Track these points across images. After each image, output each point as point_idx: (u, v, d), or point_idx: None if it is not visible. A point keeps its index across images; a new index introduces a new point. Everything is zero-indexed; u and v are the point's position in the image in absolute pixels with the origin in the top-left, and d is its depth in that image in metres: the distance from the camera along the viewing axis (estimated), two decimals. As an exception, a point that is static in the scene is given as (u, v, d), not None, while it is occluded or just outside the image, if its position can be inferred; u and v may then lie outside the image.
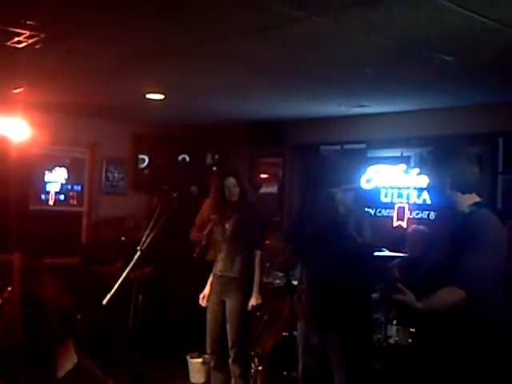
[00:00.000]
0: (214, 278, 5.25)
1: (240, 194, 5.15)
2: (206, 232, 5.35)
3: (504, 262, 3.04)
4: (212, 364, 5.26)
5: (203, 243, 5.38)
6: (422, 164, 3.26)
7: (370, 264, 4.34)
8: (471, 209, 3.13)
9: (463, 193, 3.17)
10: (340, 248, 4.26)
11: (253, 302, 5.05)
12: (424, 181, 6.80)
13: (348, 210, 4.33)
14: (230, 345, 5.05)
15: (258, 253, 5.11)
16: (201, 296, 5.28)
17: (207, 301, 5.22)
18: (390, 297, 2.84)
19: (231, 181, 5.13)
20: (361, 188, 6.71)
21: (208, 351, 5.24)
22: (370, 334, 4.85)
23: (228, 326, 5.06)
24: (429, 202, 6.66)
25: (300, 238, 4.54)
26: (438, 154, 3.32)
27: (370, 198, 6.82)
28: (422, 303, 2.86)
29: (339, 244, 4.26)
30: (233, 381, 5.11)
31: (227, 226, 5.16)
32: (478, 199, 3.20)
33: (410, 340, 5.20)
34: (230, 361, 5.07)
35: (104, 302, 4.54)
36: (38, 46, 4.34)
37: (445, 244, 3.09)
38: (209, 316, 5.21)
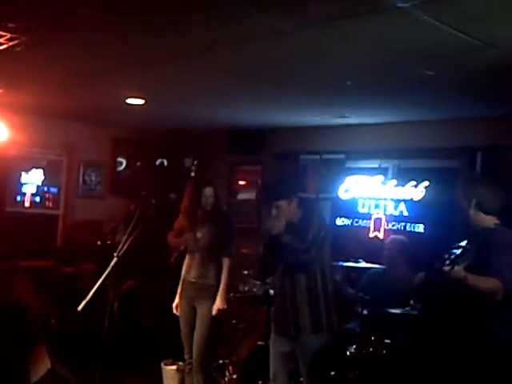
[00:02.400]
0: (184, 283, 5.24)
1: (214, 204, 5.17)
2: (183, 238, 5.33)
3: None
4: (187, 369, 5.25)
5: (181, 249, 5.37)
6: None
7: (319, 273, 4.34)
8: (496, 226, 3.69)
9: (486, 213, 3.69)
10: (290, 258, 4.24)
11: (218, 305, 5.02)
12: (403, 193, 6.89)
13: (294, 222, 4.29)
14: (194, 352, 5.03)
15: (226, 260, 5.11)
16: (174, 305, 5.27)
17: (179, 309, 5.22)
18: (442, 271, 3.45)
19: (209, 190, 5.15)
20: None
21: (186, 356, 5.21)
22: (335, 339, 4.85)
23: (195, 333, 5.05)
24: (406, 213, 6.73)
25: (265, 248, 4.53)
26: (467, 177, 4.03)
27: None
28: (470, 276, 3.42)
29: (289, 254, 4.23)
30: None
31: (199, 234, 5.16)
32: (497, 221, 3.72)
33: (384, 351, 5.23)
34: (194, 368, 5.04)
35: (79, 308, 4.50)
36: (18, 49, 4.29)
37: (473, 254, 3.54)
38: (182, 322, 5.20)
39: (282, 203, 4.28)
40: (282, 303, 4.39)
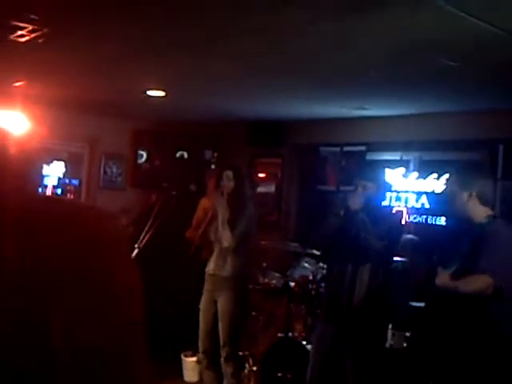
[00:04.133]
0: (206, 276, 5.20)
1: (234, 190, 4.99)
2: (200, 231, 5.20)
3: None
4: (204, 363, 5.24)
5: (196, 243, 5.25)
6: (449, 179, 4.01)
7: (385, 266, 4.27)
8: (488, 220, 3.66)
9: (484, 205, 3.67)
10: (360, 247, 4.13)
11: None
12: (425, 186, 6.80)
13: (372, 208, 4.25)
14: (221, 344, 5.02)
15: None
16: None
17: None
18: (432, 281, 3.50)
19: (227, 174, 5.01)
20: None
21: (200, 350, 5.22)
22: (383, 340, 4.76)
23: (220, 325, 5.02)
24: (427, 206, 6.68)
25: (322, 233, 4.42)
26: (467, 171, 4.00)
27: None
28: (459, 284, 3.42)
29: (359, 242, 4.12)
30: (225, 380, 5.09)
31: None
32: (490, 212, 3.70)
33: (405, 344, 5.21)
34: (222, 360, 5.04)
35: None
36: (40, 41, 4.31)
37: (465, 251, 3.56)
38: (201, 315, 5.17)
39: (370, 185, 4.28)
40: (337, 289, 4.29)
